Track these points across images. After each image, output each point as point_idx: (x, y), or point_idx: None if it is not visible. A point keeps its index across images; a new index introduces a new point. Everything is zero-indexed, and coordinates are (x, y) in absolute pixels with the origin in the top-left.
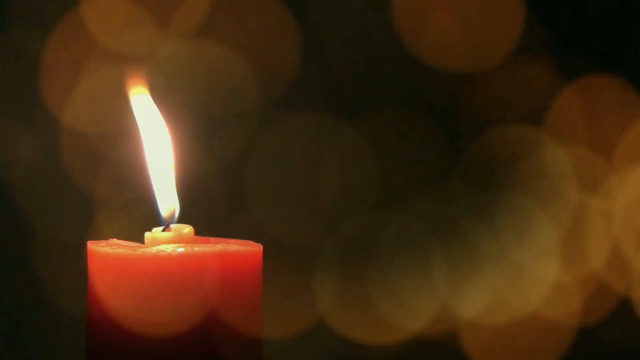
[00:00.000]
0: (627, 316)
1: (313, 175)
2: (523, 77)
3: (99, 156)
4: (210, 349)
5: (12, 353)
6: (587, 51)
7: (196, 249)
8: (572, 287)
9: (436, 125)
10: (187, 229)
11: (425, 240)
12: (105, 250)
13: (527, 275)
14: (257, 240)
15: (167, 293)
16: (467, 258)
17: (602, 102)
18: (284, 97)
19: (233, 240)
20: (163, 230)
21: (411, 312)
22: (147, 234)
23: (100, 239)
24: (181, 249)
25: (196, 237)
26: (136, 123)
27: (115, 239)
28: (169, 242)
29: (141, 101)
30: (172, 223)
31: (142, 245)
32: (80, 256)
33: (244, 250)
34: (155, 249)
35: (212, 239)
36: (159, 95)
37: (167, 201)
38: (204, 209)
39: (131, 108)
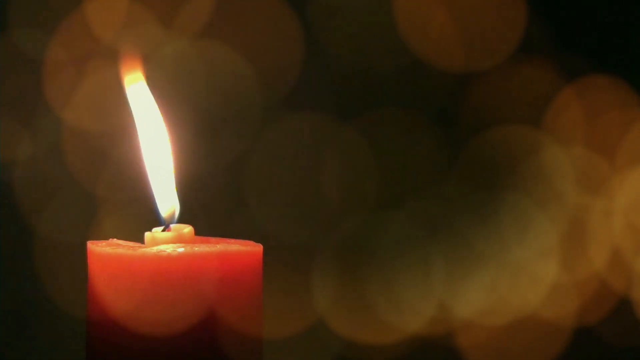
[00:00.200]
0: (627, 316)
1: (313, 175)
2: (523, 77)
3: (99, 156)
4: (210, 348)
5: (13, 353)
6: (587, 51)
7: (196, 249)
8: (572, 287)
9: (436, 125)
10: (187, 229)
11: (425, 241)
12: (105, 250)
13: (527, 276)
14: (257, 240)
15: (167, 293)
16: (467, 258)
17: (602, 103)
18: (285, 97)
19: (233, 240)
20: (163, 230)
21: (410, 312)
22: (147, 234)
23: (100, 239)
24: (181, 249)
25: (196, 237)
26: (133, 116)
27: (115, 239)
28: (169, 242)
29: (137, 91)
30: (172, 223)
31: (142, 245)
32: (80, 256)
33: (244, 250)
34: (155, 249)
35: (212, 239)
36: (160, 95)
37: (167, 201)
38: (204, 209)
39: (130, 105)
